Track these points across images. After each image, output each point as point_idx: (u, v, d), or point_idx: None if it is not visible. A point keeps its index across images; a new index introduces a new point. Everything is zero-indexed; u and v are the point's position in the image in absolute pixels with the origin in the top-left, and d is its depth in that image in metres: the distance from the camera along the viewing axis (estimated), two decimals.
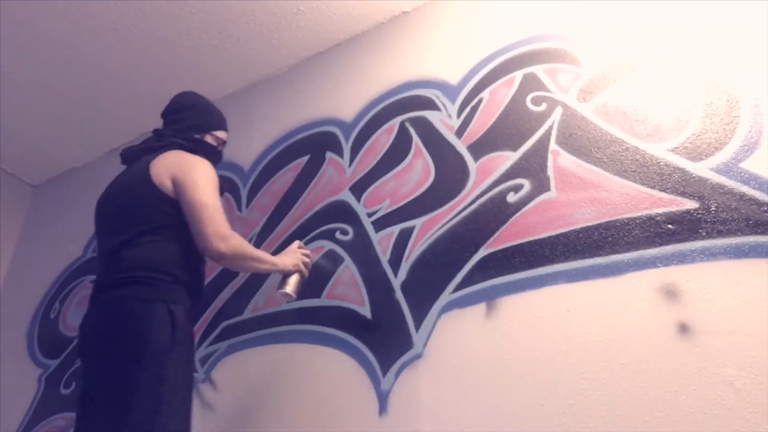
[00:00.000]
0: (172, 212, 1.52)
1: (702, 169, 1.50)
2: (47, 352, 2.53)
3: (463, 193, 1.82)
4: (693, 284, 1.38)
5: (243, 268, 1.85)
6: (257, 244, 2.18)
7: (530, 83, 1.88)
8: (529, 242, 1.62)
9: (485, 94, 1.95)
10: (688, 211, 1.46)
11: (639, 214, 1.52)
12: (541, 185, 1.69)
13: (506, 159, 1.79)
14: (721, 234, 1.40)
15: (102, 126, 2.87)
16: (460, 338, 1.60)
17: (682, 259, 1.41)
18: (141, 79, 2.62)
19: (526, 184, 1.72)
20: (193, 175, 1.54)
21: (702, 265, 1.38)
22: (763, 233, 1.35)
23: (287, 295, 1.60)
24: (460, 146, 1.91)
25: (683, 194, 1.49)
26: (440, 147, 1.96)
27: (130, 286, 1.43)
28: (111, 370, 1.36)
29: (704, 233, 1.42)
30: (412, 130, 2.07)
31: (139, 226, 1.50)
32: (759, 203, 1.39)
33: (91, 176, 3.03)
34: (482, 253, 1.68)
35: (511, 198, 1.72)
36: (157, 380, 1.33)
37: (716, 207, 1.43)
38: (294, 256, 1.65)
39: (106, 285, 1.47)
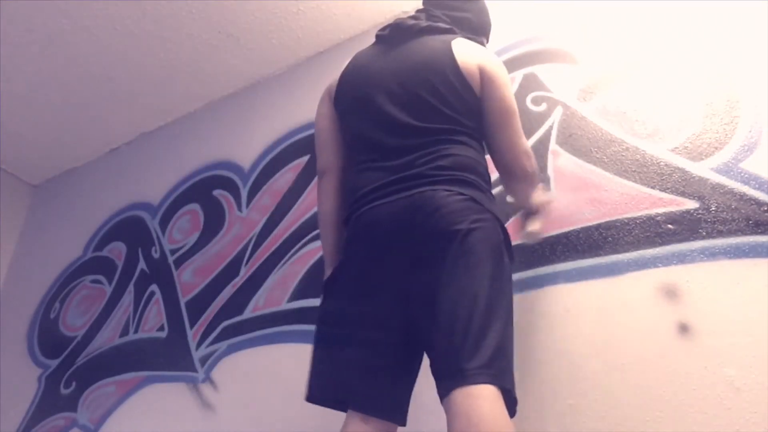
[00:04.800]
0: (476, 113, 1.31)
1: (702, 169, 1.50)
2: (47, 352, 2.53)
3: None
4: (693, 284, 1.38)
5: (521, 190, 1.46)
6: (257, 244, 2.19)
7: (530, 83, 1.88)
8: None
9: None
10: (688, 211, 1.46)
11: (639, 214, 1.52)
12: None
13: None
14: (721, 234, 1.40)
15: (102, 126, 2.87)
16: None
17: (682, 259, 1.41)
18: (141, 79, 2.62)
19: None
20: (504, 74, 1.34)
21: (702, 265, 1.38)
22: (763, 233, 1.35)
23: (536, 234, 1.46)
24: None
25: (683, 194, 1.49)
26: None
27: (460, 185, 1.19)
28: (461, 275, 1.11)
29: (704, 233, 1.42)
30: None
31: (449, 120, 1.27)
32: (759, 203, 1.39)
33: (91, 176, 3.03)
34: None
35: (511, 198, 1.71)
36: (510, 297, 1.17)
37: (716, 207, 1.43)
38: (538, 194, 1.46)
39: (418, 177, 1.20)
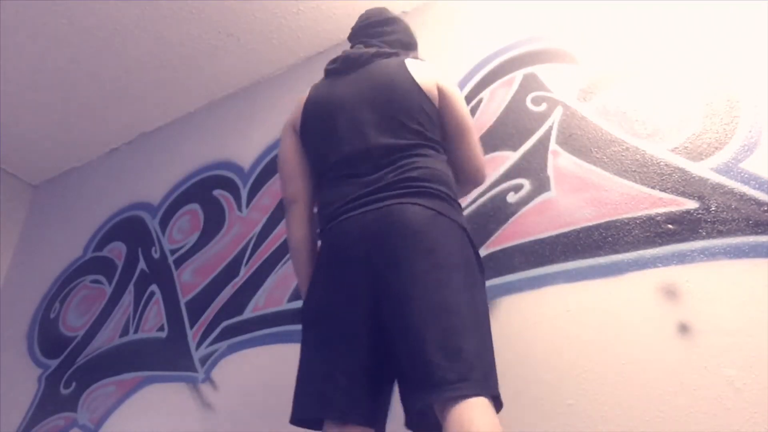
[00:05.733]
0: (438, 127, 1.38)
1: (702, 169, 1.50)
2: (47, 352, 2.53)
3: None
4: (693, 284, 1.38)
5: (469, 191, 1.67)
6: (257, 244, 2.19)
7: (530, 83, 1.88)
8: (529, 242, 1.62)
9: (485, 94, 1.96)
10: (688, 211, 1.46)
11: (639, 214, 1.52)
12: (541, 185, 1.69)
13: (506, 159, 1.79)
14: (721, 234, 1.40)
15: (102, 126, 2.87)
16: None
17: (682, 259, 1.41)
18: (141, 79, 2.62)
19: (526, 184, 1.72)
20: (457, 91, 1.44)
21: (702, 265, 1.39)
22: (763, 233, 1.35)
23: None
24: None
25: (683, 194, 1.49)
26: None
27: (428, 198, 1.23)
28: (433, 289, 1.12)
29: (704, 233, 1.42)
30: None
31: (417, 135, 1.32)
32: (759, 203, 1.39)
33: (91, 176, 3.03)
34: (482, 253, 1.68)
35: (511, 198, 1.72)
36: (484, 305, 1.20)
37: (716, 207, 1.43)
38: None
39: (388, 189, 1.24)
